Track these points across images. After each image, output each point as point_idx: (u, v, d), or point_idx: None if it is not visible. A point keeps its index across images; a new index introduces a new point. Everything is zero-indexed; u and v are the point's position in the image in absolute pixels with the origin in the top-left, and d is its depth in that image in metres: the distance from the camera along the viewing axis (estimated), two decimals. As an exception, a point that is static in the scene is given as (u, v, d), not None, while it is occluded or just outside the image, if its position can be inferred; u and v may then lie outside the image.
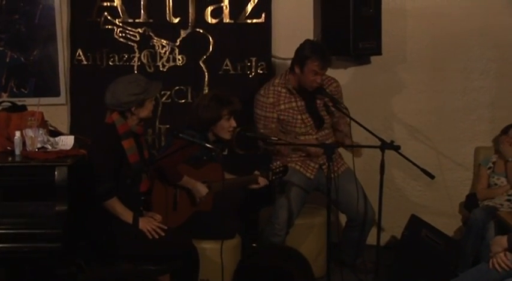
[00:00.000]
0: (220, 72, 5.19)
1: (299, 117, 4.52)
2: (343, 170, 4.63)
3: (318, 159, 4.57)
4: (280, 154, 4.59)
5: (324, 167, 4.56)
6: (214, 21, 5.15)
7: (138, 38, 5.11)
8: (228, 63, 5.18)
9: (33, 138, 4.00)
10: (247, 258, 2.15)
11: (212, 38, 5.15)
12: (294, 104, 4.52)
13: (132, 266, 3.80)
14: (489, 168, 4.98)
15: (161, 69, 5.16)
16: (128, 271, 3.78)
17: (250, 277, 2.07)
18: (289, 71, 4.55)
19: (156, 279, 3.88)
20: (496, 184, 4.90)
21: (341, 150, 4.75)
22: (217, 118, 4.21)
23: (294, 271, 2.04)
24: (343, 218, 5.04)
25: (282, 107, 4.52)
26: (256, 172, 4.38)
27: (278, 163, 4.48)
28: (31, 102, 4.61)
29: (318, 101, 4.57)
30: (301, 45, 4.48)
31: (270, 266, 2.05)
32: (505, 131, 4.98)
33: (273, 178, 4.38)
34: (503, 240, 3.58)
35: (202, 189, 4.17)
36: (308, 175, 4.57)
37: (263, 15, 5.14)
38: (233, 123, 4.26)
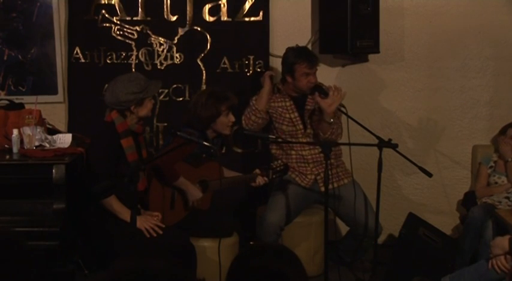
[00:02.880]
0: (218, 71, 5.18)
1: (287, 116, 4.53)
2: (345, 183, 4.60)
3: (312, 169, 4.56)
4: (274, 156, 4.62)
5: (318, 177, 4.55)
6: (212, 19, 5.14)
7: (135, 36, 5.11)
8: (226, 61, 5.18)
9: (31, 136, 3.99)
10: (239, 258, 2.14)
11: (210, 36, 5.15)
12: (283, 103, 4.55)
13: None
14: (490, 167, 4.98)
15: (159, 67, 5.15)
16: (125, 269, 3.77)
17: (243, 276, 2.06)
18: (281, 83, 4.57)
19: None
20: (496, 183, 4.90)
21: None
22: (216, 115, 4.21)
23: (287, 270, 2.03)
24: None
25: (272, 104, 4.55)
26: (257, 171, 4.38)
27: (279, 161, 4.48)
28: (29, 101, 4.62)
29: (308, 107, 4.57)
30: (284, 54, 4.54)
31: (263, 266, 2.05)
32: (503, 132, 4.99)
33: (273, 176, 4.38)
34: (504, 242, 3.56)
35: (196, 193, 4.16)
36: (303, 184, 4.56)
37: (261, 13, 5.14)
38: (232, 118, 4.27)
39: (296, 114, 4.54)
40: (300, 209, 4.59)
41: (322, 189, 4.44)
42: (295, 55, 4.43)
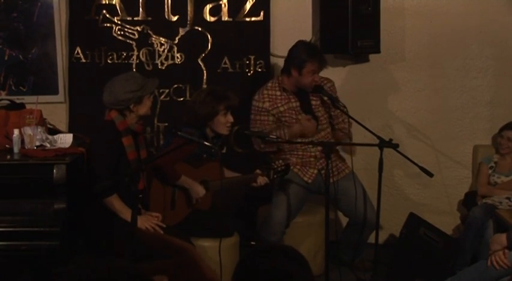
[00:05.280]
0: (218, 71, 5.18)
1: (297, 117, 4.52)
2: (344, 175, 4.62)
3: (316, 163, 4.57)
4: (282, 151, 4.62)
5: (322, 171, 4.56)
6: (212, 19, 5.14)
7: (136, 36, 5.11)
8: (227, 61, 5.18)
9: (32, 136, 4.00)
10: (245, 259, 2.14)
11: (211, 36, 5.15)
12: (291, 104, 4.53)
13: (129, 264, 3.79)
14: (491, 167, 4.99)
15: (160, 67, 5.15)
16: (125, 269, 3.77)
17: (249, 277, 2.05)
18: (282, 74, 4.55)
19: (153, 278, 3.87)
20: (496, 183, 4.91)
21: (342, 152, 4.75)
22: (214, 113, 4.20)
23: (293, 270, 2.03)
24: (341, 217, 5.05)
25: (281, 109, 4.51)
26: (258, 171, 4.38)
27: (280, 161, 4.48)
28: (29, 101, 4.62)
29: (313, 102, 4.57)
30: (295, 48, 4.48)
31: (269, 267, 2.04)
32: (499, 132, 5.02)
33: (275, 176, 4.38)
34: (502, 238, 3.58)
35: (199, 190, 4.17)
36: (305, 179, 4.57)
37: (262, 13, 5.14)
38: (230, 118, 4.26)
39: (303, 115, 4.54)
40: (302, 204, 4.63)
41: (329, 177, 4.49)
42: (307, 52, 4.40)
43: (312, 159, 4.57)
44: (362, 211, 4.51)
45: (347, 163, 4.67)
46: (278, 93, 4.52)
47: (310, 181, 4.57)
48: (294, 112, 4.52)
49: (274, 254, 2.10)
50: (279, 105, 4.51)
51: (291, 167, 4.51)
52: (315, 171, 4.58)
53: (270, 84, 4.58)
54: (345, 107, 4.43)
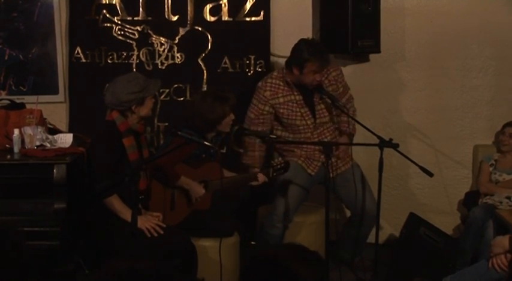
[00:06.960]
0: (219, 70, 5.18)
1: (298, 111, 4.51)
2: (347, 167, 4.62)
3: (320, 156, 4.56)
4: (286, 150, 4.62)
5: (326, 164, 4.56)
6: (213, 19, 5.14)
7: (136, 36, 5.11)
8: (227, 61, 5.18)
9: (32, 136, 4.00)
10: (253, 259, 2.14)
11: (211, 36, 5.15)
12: (292, 97, 4.51)
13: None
14: (491, 165, 4.99)
15: (160, 67, 5.15)
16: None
17: (258, 276, 2.05)
18: (286, 68, 4.54)
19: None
20: (497, 180, 4.91)
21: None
22: (223, 117, 4.21)
23: (302, 271, 2.03)
24: (342, 217, 5.05)
25: (281, 100, 4.51)
26: (256, 169, 4.38)
27: (280, 158, 4.48)
28: (30, 100, 4.62)
29: (316, 95, 4.57)
30: (297, 46, 4.44)
31: (277, 265, 2.04)
32: (502, 130, 5.02)
33: (274, 174, 4.38)
34: (504, 241, 3.55)
35: (199, 189, 4.17)
36: (309, 171, 4.57)
37: (262, 13, 5.14)
38: (232, 116, 4.28)
39: (306, 109, 4.53)
40: (305, 197, 4.64)
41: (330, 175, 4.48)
42: (309, 51, 4.35)
43: (316, 152, 4.57)
44: (360, 203, 4.52)
45: (349, 154, 4.65)
46: (281, 84, 4.51)
47: (313, 173, 4.57)
48: (295, 105, 4.50)
49: (282, 255, 2.09)
50: (280, 95, 4.50)
51: (296, 159, 4.51)
52: (319, 163, 4.58)
53: (275, 73, 4.57)
54: (345, 106, 4.43)
